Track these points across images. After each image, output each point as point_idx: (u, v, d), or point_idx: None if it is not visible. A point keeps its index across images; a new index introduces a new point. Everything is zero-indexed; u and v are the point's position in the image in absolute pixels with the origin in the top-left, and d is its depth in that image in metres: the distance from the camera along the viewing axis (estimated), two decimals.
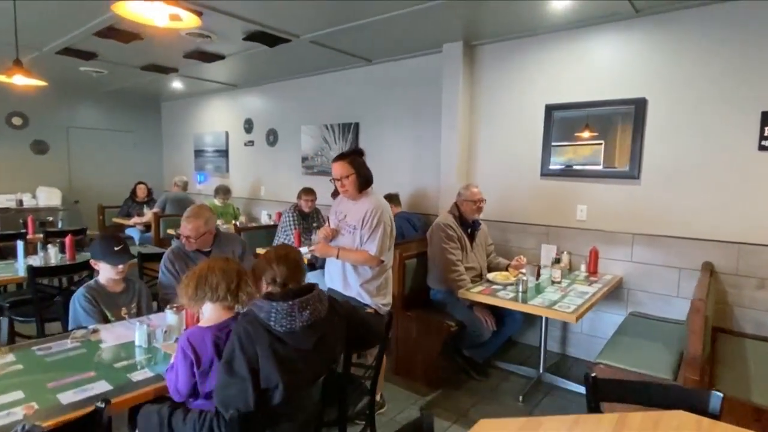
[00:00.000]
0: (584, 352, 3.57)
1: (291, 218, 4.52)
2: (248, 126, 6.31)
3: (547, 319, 3.17)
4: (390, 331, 2.14)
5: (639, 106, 3.20)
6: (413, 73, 4.43)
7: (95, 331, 2.00)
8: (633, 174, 3.25)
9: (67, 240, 3.49)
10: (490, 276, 3.15)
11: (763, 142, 2.79)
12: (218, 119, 6.79)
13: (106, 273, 2.25)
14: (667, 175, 3.14)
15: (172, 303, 2.51)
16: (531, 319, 3.45)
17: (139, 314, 2.35)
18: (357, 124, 4.98)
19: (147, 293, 2.47)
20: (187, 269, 2.58)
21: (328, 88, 5.21)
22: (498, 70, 3.87)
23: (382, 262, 2.41)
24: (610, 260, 3.39)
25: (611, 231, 3.38)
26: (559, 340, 3.70)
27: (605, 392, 1.50)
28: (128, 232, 6.04)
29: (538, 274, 3.11)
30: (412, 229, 4.09)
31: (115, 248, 2.23)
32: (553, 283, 3.07)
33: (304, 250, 2.49)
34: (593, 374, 1.51)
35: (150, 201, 6.26)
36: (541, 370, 3.16)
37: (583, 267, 3.39)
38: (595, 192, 3.44)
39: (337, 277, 2.48)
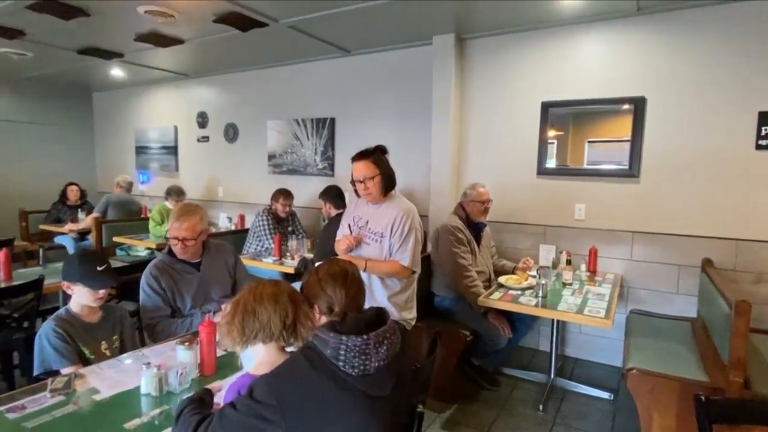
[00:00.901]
0: (583, 352, 3.55)
1: (265, 222, 4.11)
2: (202, 120, 5.72)
3: (558, 322, 3.09)
4: (435, 351, 1.90)
5: (638, 105, 3.20)
6: (398, 66, 4.19)
7: (78, 376, 1.57)
8: (633, 172, 3.26)
9: (1, 255, 2.86)
10: (502, 280, 3.01)
11: (760, 141, 2.88)
12: (165, 112, 6.10)
13: (82, 299, 1.80)
14: (666, 174, 3.17)
15: (160, 330, 2.10)
16: (527, 321, 3.36)
17: (123, 350, 1.92)
18: (333, 120, 4.64)
19: (130, 322, 2.04)
20: (176, 286, 2.17)
21: (300, 80, 4.82)
22: (491, 65, 3.74)
23: (414, 272, 2.16)
24: (610, 259, 3.39)
25: (611, 230, 3.38)
26: (554, 340, 3.65)
27: (719, 414, 1.36)
28: (59, 240, 5.25)
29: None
30: None
31: (99, 268, 1.79)
32: (564, 285, 2.98)
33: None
34: (702, 396, 1.37)
35: (84, 204, 5.49)
36: (552, 375, 3.07)
37: (583, 267, 3.35)
38: (594, 190, 3.42)
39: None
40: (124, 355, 1.79)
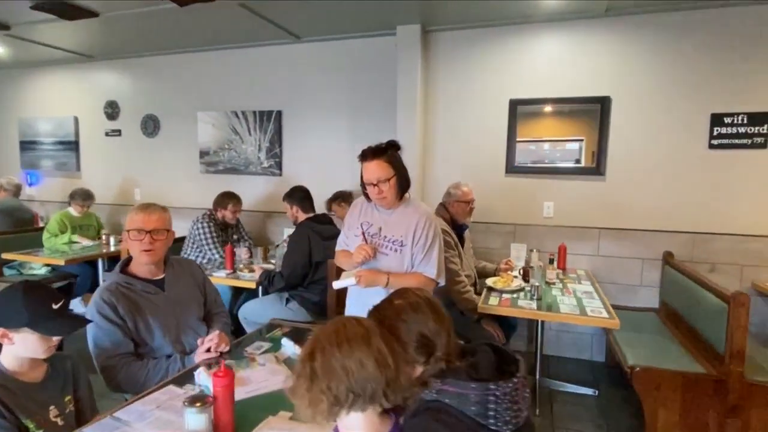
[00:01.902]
0: (557, 349, 3.58)
1: (207, 230, 3.57)
2: (112, 111, 4.87)
3: (542, 322, 3.06)
4: None
5: (604, 104, 3.29)
6: (356, 56, 3.89)
7: None
8: (599, 170, 3.34)
9: None
10: (490, 282, 2.88)
11: (713, 141, 3.11)
12: (62, 101, 5.09)
13: (26, 350, 1.29)
14: (629, 171, 3.30)
15: (125, 376, 1.62)
16: (512, 323, 3.31)
17: (80, 414, 1.43)
18: (280, 113, 4.20)
19: (85, 374, 1.52)
20: (138, 312, 1.70)
21: (241, 68, 4.28)
22: (458, 59, 3.61)
23: (437, 284, 1.91)
24: (578, 255, 3.45)
25: (578, 227, 3.44)
26: (526, 338, 3.66)
27: None
28: None
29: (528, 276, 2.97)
30: None
31: (54, 305, 1.29)
32: (547, 284, 2.95)
33: (347, 282, 1.73)
34: None
35: None
36: (537, 376, 3.03)
37: (554, 264, 3.37)
38: (562, 188, 3.46)
39: None
40: (89, 427, 1.30)
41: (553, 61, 3.39)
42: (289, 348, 1.84)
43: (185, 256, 3.64)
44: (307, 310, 2.91)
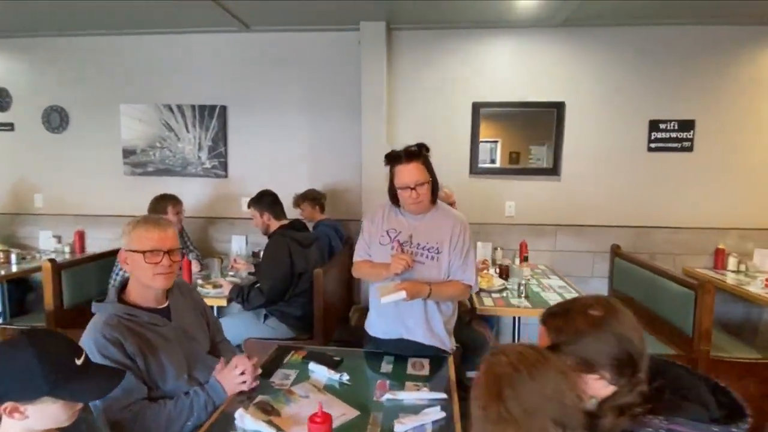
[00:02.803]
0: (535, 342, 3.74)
1: None
2: (1, 100, 4.00)
3: (519, 318, 3.16)
4: None
5: (559, 109, 3.50)
6: (316, 51, 3.66)
7: None
8: (555, 171, 3.56)
9: None
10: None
11: (651, 144, 3.48)
12: None
13: (46, 421, 0.97)
14: (582, 172, 3.56)
15: (147, 426, 1.31)
16: (492, 322, 3.39)
17: None
18: (224, 108, 3.79)
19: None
20: (149, 349, 1.41)
21: (177, 55, 3.78)
22: (422, 59, 3.58)
23: (472, 292, 1.85)
24: (537, 251, 3.64)
25: (537, 224, 3.63)
26: (517, 335, 3.76)
27: None
28: None
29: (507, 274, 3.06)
30: (338, 240, 3.40)
31: (77, 360, 0.98)
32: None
33: (396, 296, 1.61)
34: None
35: None
36: None
37: (517, 261, 3.52)
38: (522, 188, 3.62)
39: (419, 323, 1.78)
40: None
41: (514, 66, 3.52)
42: (321, 373, 1.65)
43: (116, 275, 3.13)
44: (288, 327, 2.67)
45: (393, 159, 1.73)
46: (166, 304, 1.56)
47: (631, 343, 0.91)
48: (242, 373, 1.49)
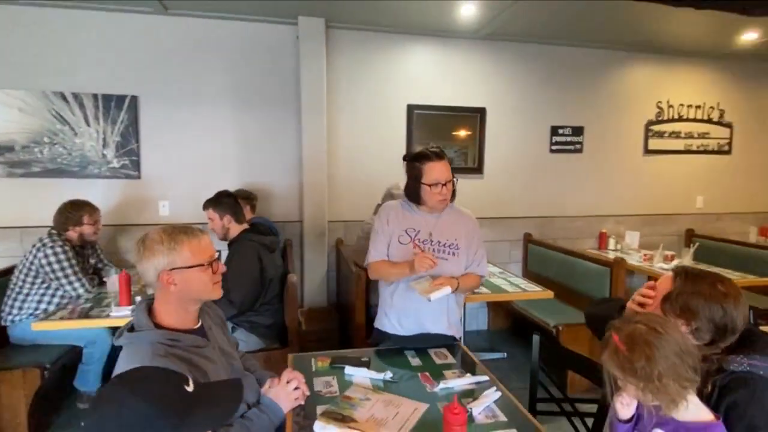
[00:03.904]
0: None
1: (63, 256, 2.63)
2: None
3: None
4: None
5: (481, 114, 3.89)
6: (248, 43, 3.42)
7: None
8: (479, 170, 3.94)
9: None
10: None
11: (552, 147, 4.08)
12: None
13: None
14: (500, 170, 4.01)
15: None
16: None
17: None
18: (135, 99, 3.31)
19: None
20: (198, 373, 1.33)
21: (73, 34, 3.17)
22: (360, 60, 3.63)
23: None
24: None
25: None
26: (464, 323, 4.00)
27: None
28: None
29: None
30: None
31: (187, 387, 0.90)
32: None
33: (444, 291, 1.71)
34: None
35: None
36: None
37: None
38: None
39: (442, 316, 1.88)
40: None
41: (443, 72, 3.79)
42: (362, 375, 1.64)
43: (17, 296, 2.57)
44: (258, 337, 2.51)
45: (424, 157, 1.80)
46: (200, 324, 1.39)
47: (733, 321, 1.13)
48: (296, 388, 1.41)
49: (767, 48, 3.93)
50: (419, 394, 1.53)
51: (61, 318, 2.27)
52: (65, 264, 2.58)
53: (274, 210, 3.60)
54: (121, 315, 2.33)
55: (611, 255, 3.94)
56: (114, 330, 2.73)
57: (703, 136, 4.40)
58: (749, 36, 3.66)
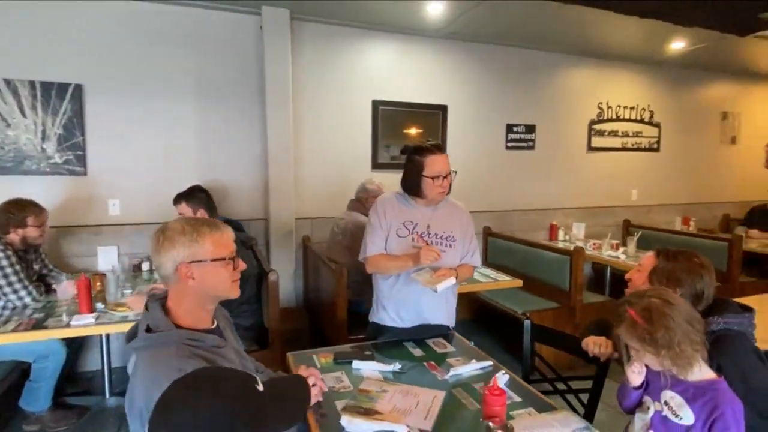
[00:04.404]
0: None
1: (6, 262, 2.35)
2: None
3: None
4: None
5: (444, 111, 3.98)
6: (207, 31, 3.23)
7: None
8: None
9: None
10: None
11: (508, 144, 4.28)
12: None
13: None
14: (460, 167, 3.97)
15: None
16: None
17: None
18: (79, 87, 3.02)
19: None
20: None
21: (5, 14, 2.82)
22: (325, 53, 3.56)
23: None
24: None
25: None
26: None
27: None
28: None
29: None
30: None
31: (258, 387, 0.89)
32: None
33: (449, 282, 1.76)
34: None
35: None
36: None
37: None
38: None
39: (441, 306, 1.92)
40: None
41: (406, 69, 3.83)
42: (371, 368, 1.64)
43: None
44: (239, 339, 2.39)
45: (426, 150, 1.82)
46: (216, 324, 1.32)
47: (708, 288, 1.34)
48: (313, 384, 1.38)
49: (692, 56, 4.39)
50: (432, 383, 1.55)
51: (13, 330, 2.02)
52: (8, 270, 2.31)
53: (236, 208, 3.45)
54: (83, 324, 2.12)
55: (561, 245, 4.21)
56: (70, 341, 2.49)
57: (636, 134, 4.83)
58: (677, 45, 4.07)
